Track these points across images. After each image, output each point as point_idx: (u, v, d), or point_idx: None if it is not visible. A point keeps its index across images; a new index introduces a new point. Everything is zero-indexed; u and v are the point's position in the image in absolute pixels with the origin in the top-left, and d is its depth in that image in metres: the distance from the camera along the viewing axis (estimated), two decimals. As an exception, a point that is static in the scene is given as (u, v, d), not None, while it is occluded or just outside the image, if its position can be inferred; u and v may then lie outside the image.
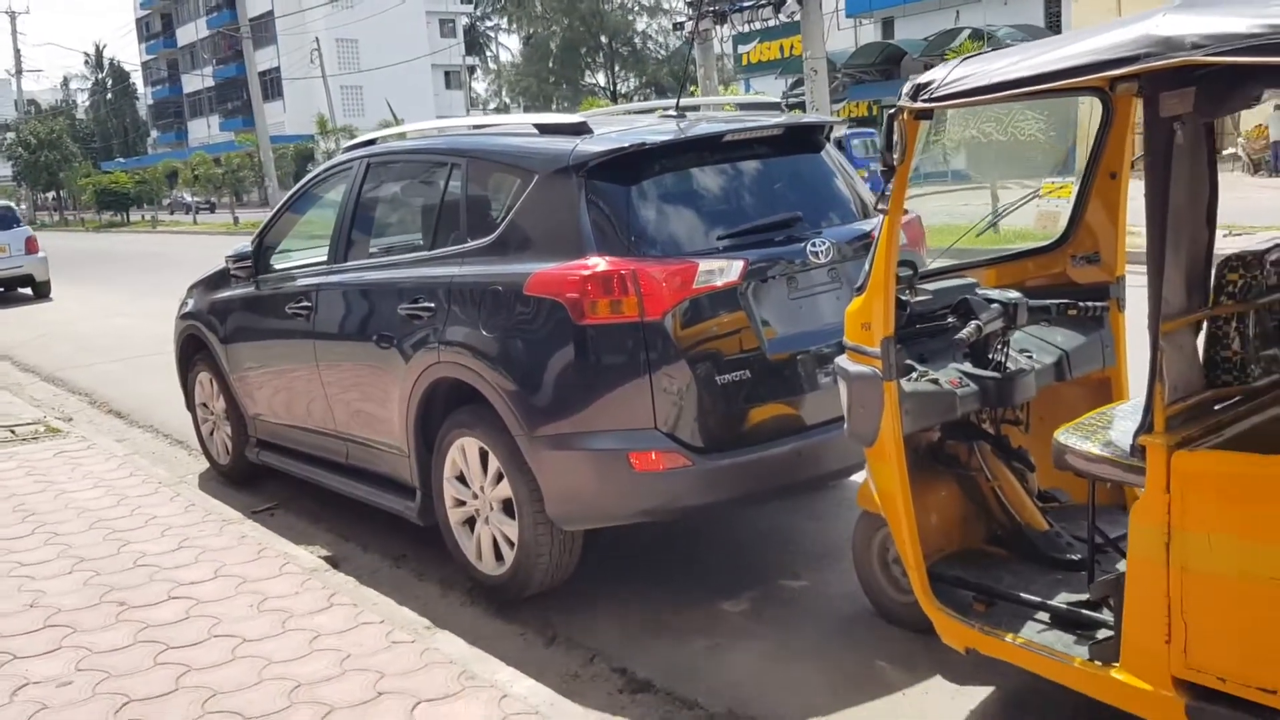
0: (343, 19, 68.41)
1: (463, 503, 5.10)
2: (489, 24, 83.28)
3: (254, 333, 6.72)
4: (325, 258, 6.13)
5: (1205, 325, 3.26)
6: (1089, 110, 4.36)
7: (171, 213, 63.14)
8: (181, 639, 4.55)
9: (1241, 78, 2.69)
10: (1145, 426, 2.99)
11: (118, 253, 34.59)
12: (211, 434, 7.54)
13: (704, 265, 4.47)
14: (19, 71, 78.76)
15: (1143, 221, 2.96)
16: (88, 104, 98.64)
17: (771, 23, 24.97)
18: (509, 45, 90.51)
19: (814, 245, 4.73)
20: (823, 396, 4.60)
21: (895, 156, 3.46)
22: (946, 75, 3.33)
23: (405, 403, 5.23)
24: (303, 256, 6.69)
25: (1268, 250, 3.25)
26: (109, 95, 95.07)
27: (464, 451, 5.01)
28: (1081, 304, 4.27)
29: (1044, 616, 3.63)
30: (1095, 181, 4.35)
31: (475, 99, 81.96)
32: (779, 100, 7.47)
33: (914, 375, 3.84)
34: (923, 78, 3.40)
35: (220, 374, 7.11)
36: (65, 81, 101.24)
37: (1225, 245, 3.38)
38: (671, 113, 5.55)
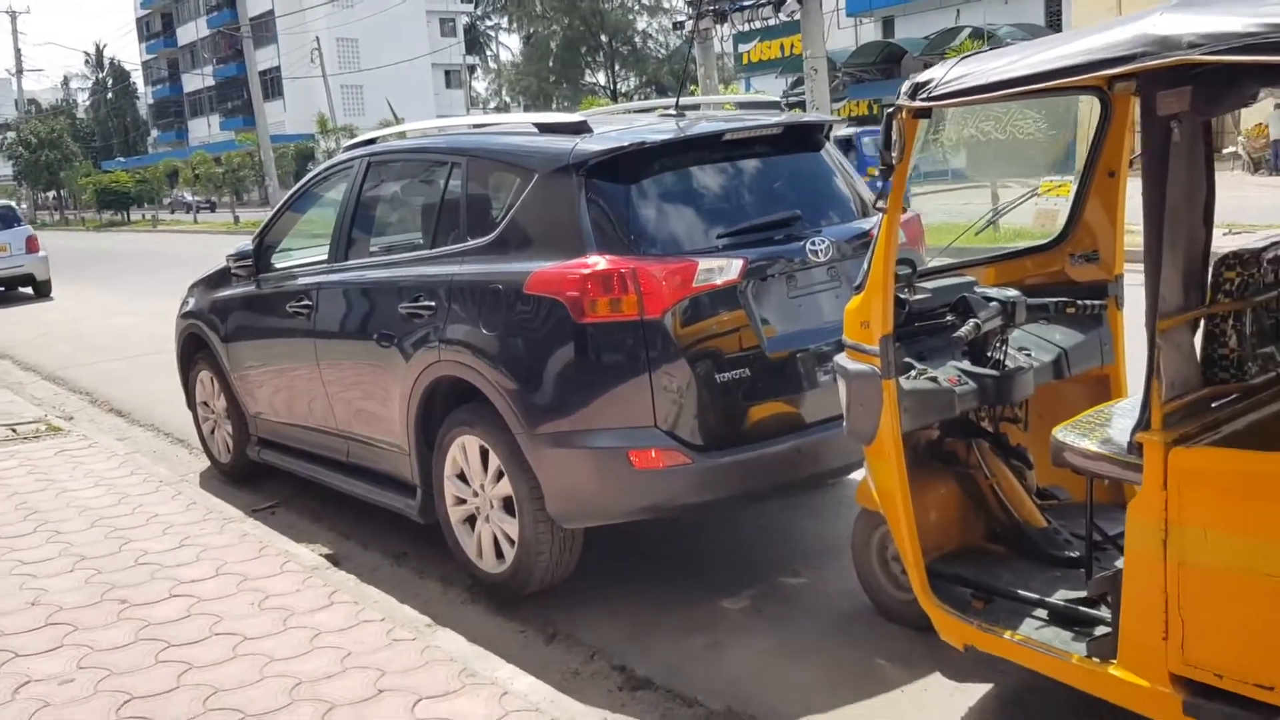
0: (343, 18, 68.44)
1: (463, 501, 5.12)
2: (489, 23, 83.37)
3: (255, 331, 6.74)
4: (326, 257, 6.15)
5: (1202, 323, 3.27)
6: (1090, 108, 4.37)
7: (172, 212, 63.16)
8: (183, 637, 4.56)
9: (1238, 77, 2.69)
10: (1142, 423, 3.00)
11: (118, 252, 34.60)
12: (212, 432, 7.56)
13: (703, 264, 4.48)
14: (19, 71, 78.78)
15: (1141, 220, 2.97)
16: (88, 103, 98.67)
17: (772, 22, 24.95)
18: (509, 44, 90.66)
19: (813, 244, 4.74)
20: (822, 394, 4.61)
21: (894, 155, 3.47)
22: (945, 74, 3.34)
23: (406, 401, 5.24)
24: (303, 255, 6.70)
25: (1265, 248, 3.26)
26: (109, 95, 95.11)
27: (464, 449, 5.02)
28: (1080, 302, 4.28)
29: (1042, 613, 3.64)
30: (1094, 180, 4.36)
31: (475, 98, 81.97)
32: (778, 99, 7.50)
33: (913, 373, 3.84)
34: (921, 77, 3.41)
35: (221, 372, 7.13)
36: (66, 81, 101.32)
37: (1225, 243, 3.40)
38: (671, 112, 5.56)
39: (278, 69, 71.83)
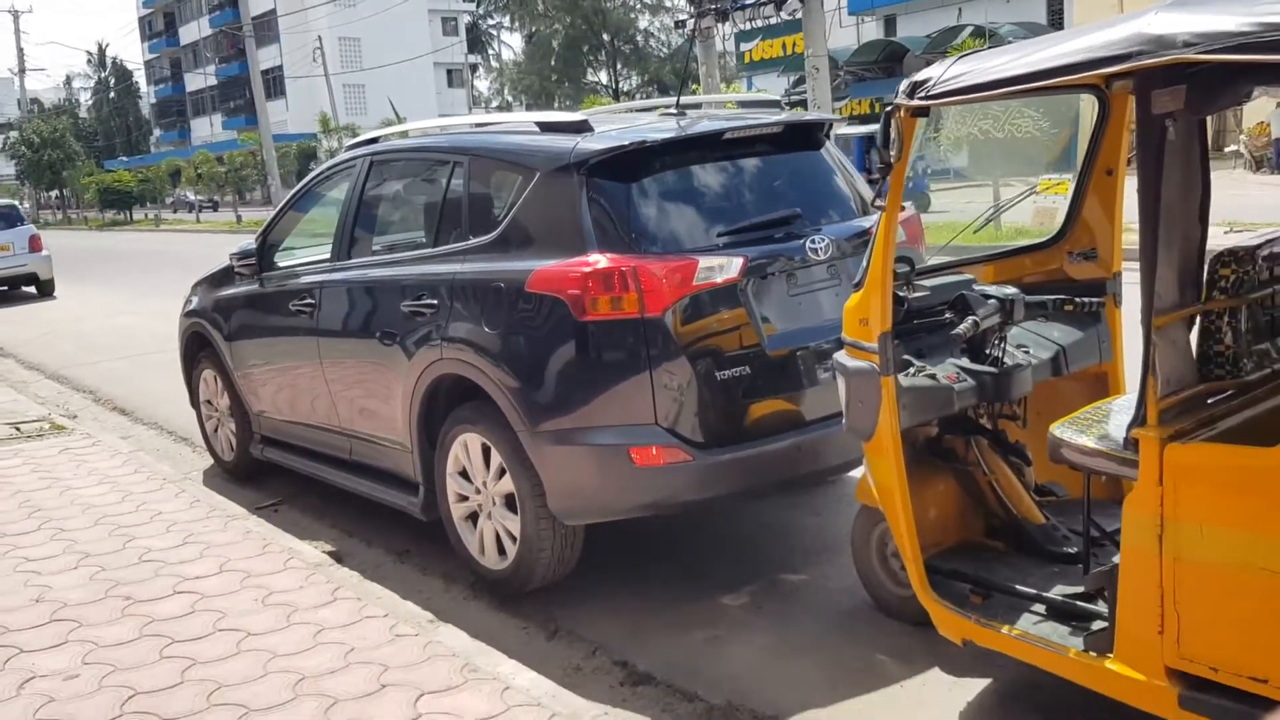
0: (345, 17, 68.49)
1: (465, 498, 5.14)
2: (491, 22, 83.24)
3: (258, 330, 6.77)
4: (329, 255, 6.17)
5: (1198, 320, 3.29)
6: (1091, 107, 4.39)
7: (175, 211, 63.16)
8: (187, 633, 4.59)
9: (1232, 75, 2.72)
10: (1138, 420, 3.03)
11: (121, 251, 34.65)
12: (216, 431, 7.59)
13: (704, 262, 4.50)
14: (22, 70, 78.97)
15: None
16: (91, 103, 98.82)
17: (773, 20, 24.97)
18: (511, 43, 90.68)
19: (813, 242, 4.77)
20: (822, 392, 4.63)
21: (892, 154, 3.49)
22: (942, 73, 3.36)
23: (408, 399, 5.27)
24: (306, 254, 6.73)
25: (1259, 245, 3.29)
26: (112, 94, 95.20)
27: (466, 447, 5.05)
28: (1078, 299, 4.30)
29: (1040, 608, 3.66)
30: (1092, 178, 4.39)
31: (477, 97, 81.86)
32: (778, 98, 7.52)
33: (911, 370, 3.87)
34: (919, 75, 3.44)
35: (225, 371, 7.16)
36: (68, 80, 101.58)
37: (1226, 242, 3.42)
38: (672, 111, 5.59)
39: (280, 68, 71.91)
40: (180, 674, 4.22)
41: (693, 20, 23.27)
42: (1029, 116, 16.21)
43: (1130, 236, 3.73)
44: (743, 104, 6.66)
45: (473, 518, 5.16)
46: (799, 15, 20.68)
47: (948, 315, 4.05)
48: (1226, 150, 30.78)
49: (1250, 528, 2.81)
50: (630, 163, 4.68)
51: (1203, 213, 3.34)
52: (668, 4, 65.44)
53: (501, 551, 5.02)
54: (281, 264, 6.70)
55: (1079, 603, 3.57)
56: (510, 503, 4.88)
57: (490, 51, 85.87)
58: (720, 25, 23.35)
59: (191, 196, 61.54)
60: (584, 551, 4.96)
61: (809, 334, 4.73)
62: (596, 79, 68.22)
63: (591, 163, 4.63)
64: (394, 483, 5.71)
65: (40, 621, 4.80)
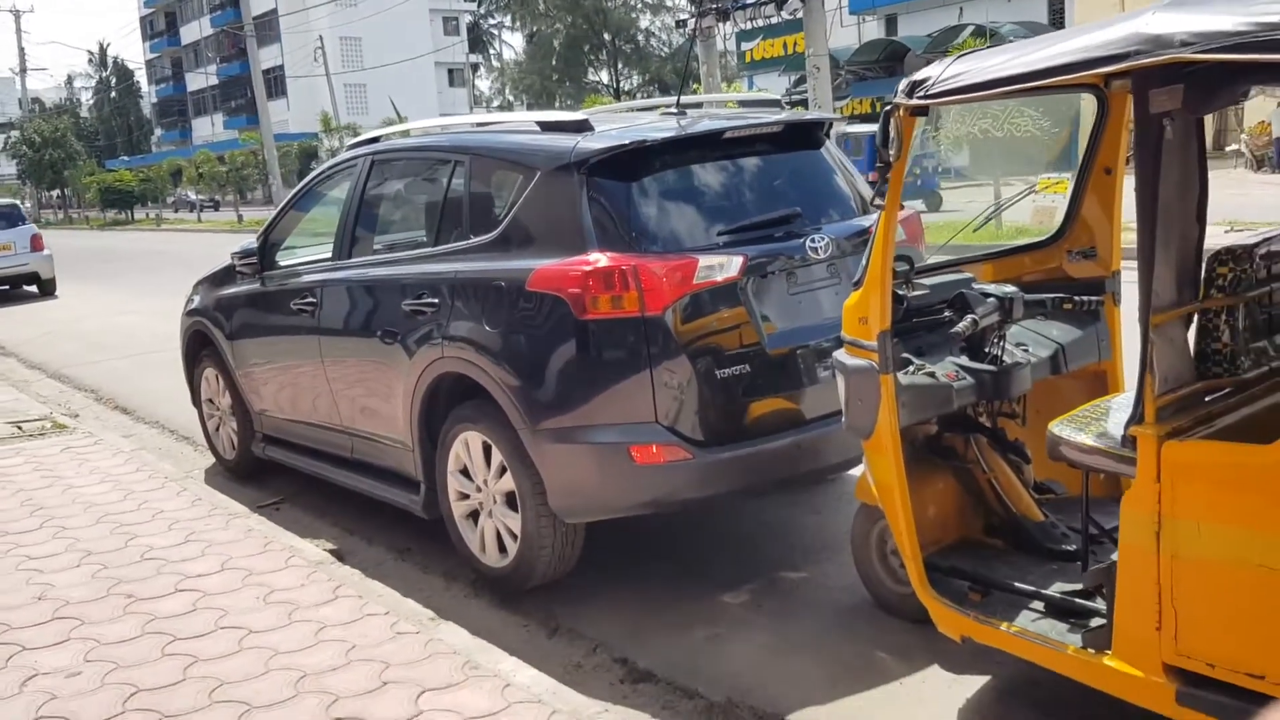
0: (346, 17, 68.54)
1: (466, 496, 5.16)
2: (492, 22, 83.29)
3: (260, 329, 6.78)
4: (330, 254, 6.19)
5: (1196, 318, 3.31)
6: (1091, 106, 4.41)
7: (176, 211, 63.22)
8: (189, 630, 4.61)
9: (1229, 75, 2.73)
10: (1136, 417, 3.04)
11: (122, 251, 34.67)
12: (217, 429, 7.60)
13: (704, 261, 4.52)
14: (23, 70, 79.00)
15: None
16: (92, 102, 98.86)
17: (774, 20, 24.98)
18: (512, 43, 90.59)
19: (813, 241, 4.78)
20: (822, 390, 4.64)
21: (891, 153, 3.51)
22: (941, 72, 3.37)
23: (409, 397, 5.28)
24: (308, 253, 6.75)
25: (1257, 244, 3.30)
26: (113, 93, 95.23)
27: (467, 445, 5.07)
28: (1077, 298, 4.31)
29: (1038, 605, 3.68)
30: (1091, 177, 4.41)
31: (479, 97, 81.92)
32: (778, 97, 7.54)
33: (911, 368, 3.88)
34: (918, 75, 3.45)
35: (226, 370, 7.17)
36: (69, 80, 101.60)
37: (1225, 241, 3.43)
38: (672, 110, 5.60)
39: (281, 68, 71.92)
40: (182, 671, 4.23)
41: (693, 20, 23.27)
42: (1028, 115, 16.23)
43: (1129, 235, 3.75)
44: (743, 103, 6.68)
45: (474, 516, 5.18)
46: (800, 15, 20.72)
47: (947, 314, 4.07)
48: (1228, 149, 30.81)
49: (1247, 524, 2.82)
50: (630, 162, 4.70)
51: (1200, 211, 3.35)
52: (669, 3, 65.49)
53: (502, 549, 5.03)
54: (283, 263, 6.72)
55: (1077, 600, 3.59)
56: (511, 501, 4.89)
57: (491, 51, 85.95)
58: (721, 25, 23.38)
59: (193, 196, 61.58)
60: (584, 549, 4.98)
61: (809, 332, 4.74)
62: (598, 78, 68.27)
63: (592, 162, 4.65)
64: (395, 481, 5.73)
65: (42, 619, 4.81)
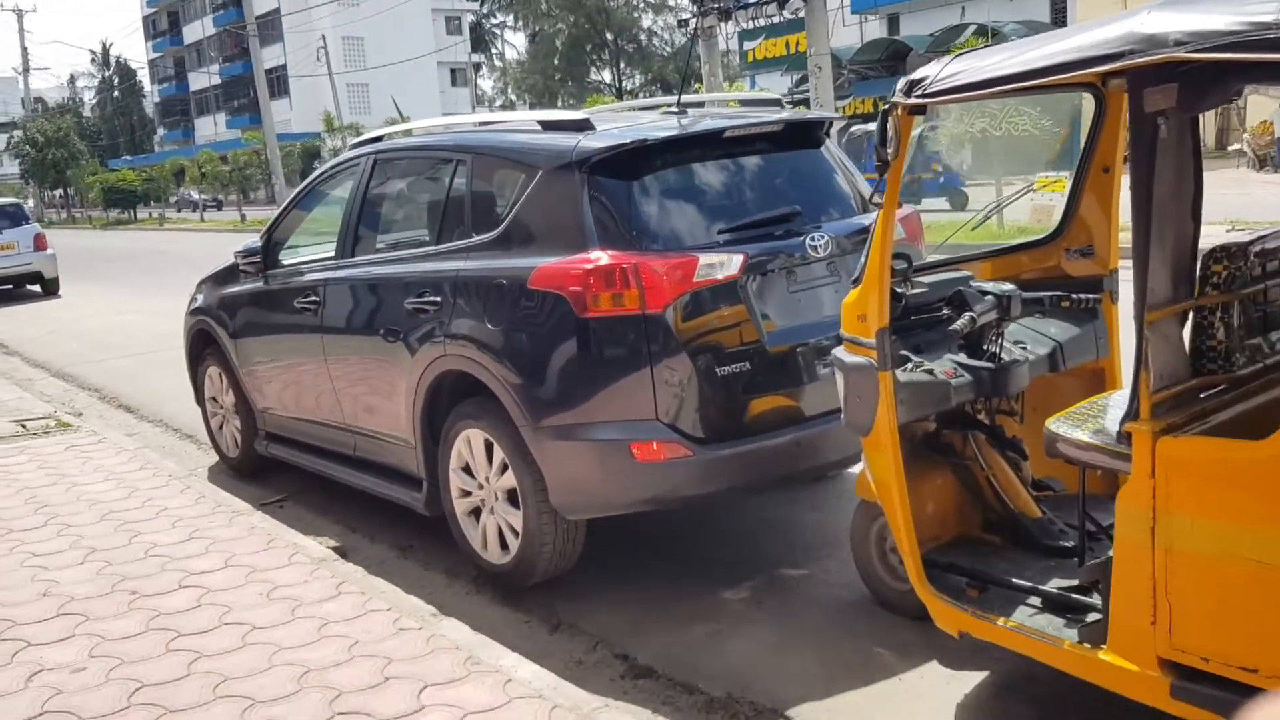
0: (349, 16, 68.61)
1: (468, 493, 5.19)
2: (495, 21, 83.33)
3: (263, 327, 6.82)
4: (333, 253, 6.22)
5: (1191, 315, 3.33)
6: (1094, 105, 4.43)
7: (179, 210, 63.29)
8: (193, 626, 4.64)
9: (1222, 74, 2.76)
10: (1131, 413, 3.06)
11: (125, 250, 34.69)
12: (221, 428, 7.64)
13: (704, 259, 4.54)
14: (26, 69, 79.04)
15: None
16: (94, 102, 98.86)
17: (776, 19, 24.99)
18: (515, 42, 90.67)
19: (813, 239, 4.80)
20: (821, 388, 4.66)
21: (889, 152, 3.53)
22: (939, 72, 3.40)
23: (412, 395, 5.31)
24: (311, 252, 6.78)
25: (1251, 242, 3.33)
26: (116, 93, 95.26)
27: (469, 443, 5.10)
28: (1075, 296, 4.33)
29: (1035, 601, 3.70)
30: (1089, 176, 4.43)
31: (481, 96, 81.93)
32: (779, 96, 7.56)
33: (909, 366, 3.90)
34: (916, 74, 3.48)
35: (230, 368, 7.21)
36: (72, 79, 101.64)
37: (1227, 240, 3.45)
38: (673, 109, 5.63)
39: (284, 67, 72.02)
40: (187, 667, 4.26)
41: (695, 19, 23.29)
42: (1026, 114, 16.25)
43: (1127, 234, 3.78)
44: (744, 102, 6.70)
45: (475, 513, 5.21)
46: (801, 14, 20.73)
47: (945, 311, 4.09)
48: (1230, 149, 30.79)
49: (1240, 519, 2.85)
50: (631, 161, 4.72)
51: (1195, 209, 3.38)
52: (671, 3, 65.48)
53: (504, 546, 5.06)
54: (286, 262, 6.75)
55: (1074, 595, 3.61)
56: (512, 498, 4.92)
57: (494, 51, 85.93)
58: (723, 24, 23.39)
59: (196, 195, 61.62)
60: (586, 547, 5.01)
61: (809, 330, 4.77)
62: (600, 78, 68.27)
63: (593, 161, 4.67)
64: (397, 478, 5.76)
65: (48, 615, 4.84)
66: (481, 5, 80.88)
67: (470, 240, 5.14)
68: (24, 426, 8.80)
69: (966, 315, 3.95)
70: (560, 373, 4.62)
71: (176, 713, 3.92)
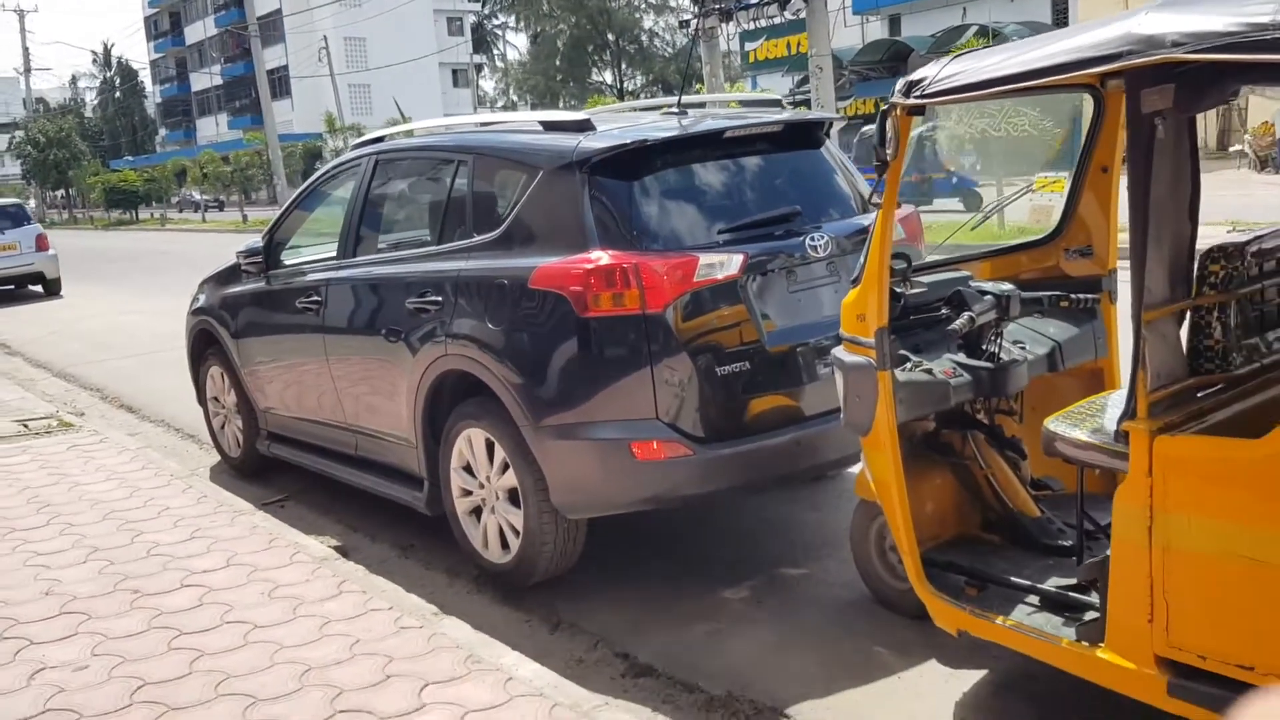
0: (351, 17, 68.67)
1: (469, 492, 5.20)
2: (496, 22, 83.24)
3: (265, 327, 6.83)
4: (334, 253, 6.24)
5: (1189, 315, 3.35)
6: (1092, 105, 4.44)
7: (180, 211, 63.26)
8: (195, 625, 4.65)
9: (1219, 75, 2.77)
10: (1129, 412, 3.08)
11: (127, 250, 34.71)
12: (223, 427, 7.65)
13: (704, 259, 4.56)
14: (27, 70, 79.13)
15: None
16: (96, 102, 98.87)
17: (777, 20, 25.02)
18: (516, 43, 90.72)
19: (813, 239, 4.82)
20: (821, 387, 4.68)
21: (888, 152, 3.55)
22: (938, 72, 3.41)
23: (413, 395, 5.33)
24: (312, 252, 6.80)
25: (1248, 242, 3.34)
26: (117, 94, 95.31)
27: (470, 442, 5.11)
28: (1073, 296, 4.34)
29: (1033, 599, 3.72)
30: (1087, 176, 4.44)
31: (483, 97, 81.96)
32: (779, 97, 7.57)
33: (908, 365, 3.92)
34: (915, 75, 3.49)
35: (231, 368, 7.22)
36: (74, 80, 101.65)
37: (1224, 240, 3.47)
38: (674, 110, 5.64)
39: (285, 68, 72.08)
40: (189, 665, 4.28)
41: (696, 20, 23.30)
42: (1025, 115, 16.27)
43: (1126, 234, 3.80)
44: (744, 103, 6.72)
45: (476, 512, 5.22)
46: (802, 15, 20.75)
47: (944, 311, 4.10)
48: (1231, 150, 30.80)
49: (1237, 518, 2.86)
50: (632, 161, 4.74)
51: (1193, 210, 3.40)
52: (672, 4, 65.48)
53: (505, 546, 5.08)
54: (288, 262, 6.77)
55: (1072, 594, 3.63)
56: (513, 497, 4.93)
57: (495, 51, 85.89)
58: (724, 25, 23.41)
59: (197, 196, 61.62)
60: (586, 546, 5.02)
61: (808, 330, 4.78)
62: (601, 79, 68.25)
63: (594, 161, 4.69)
64: (399, 478, 5.77)
65: (50, 614, 4.86)
66: (483, 6, 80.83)
67: (471, 240, 5.16)
68: (26, 426, 8.82)
69: (965, 315, 3.97)
70: (561, 372, 4.64)
71: (178, 711, 3.93)
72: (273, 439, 7.09)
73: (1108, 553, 3.27)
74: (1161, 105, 2.87)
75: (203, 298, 7.56)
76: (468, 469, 5.18)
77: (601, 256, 4.52)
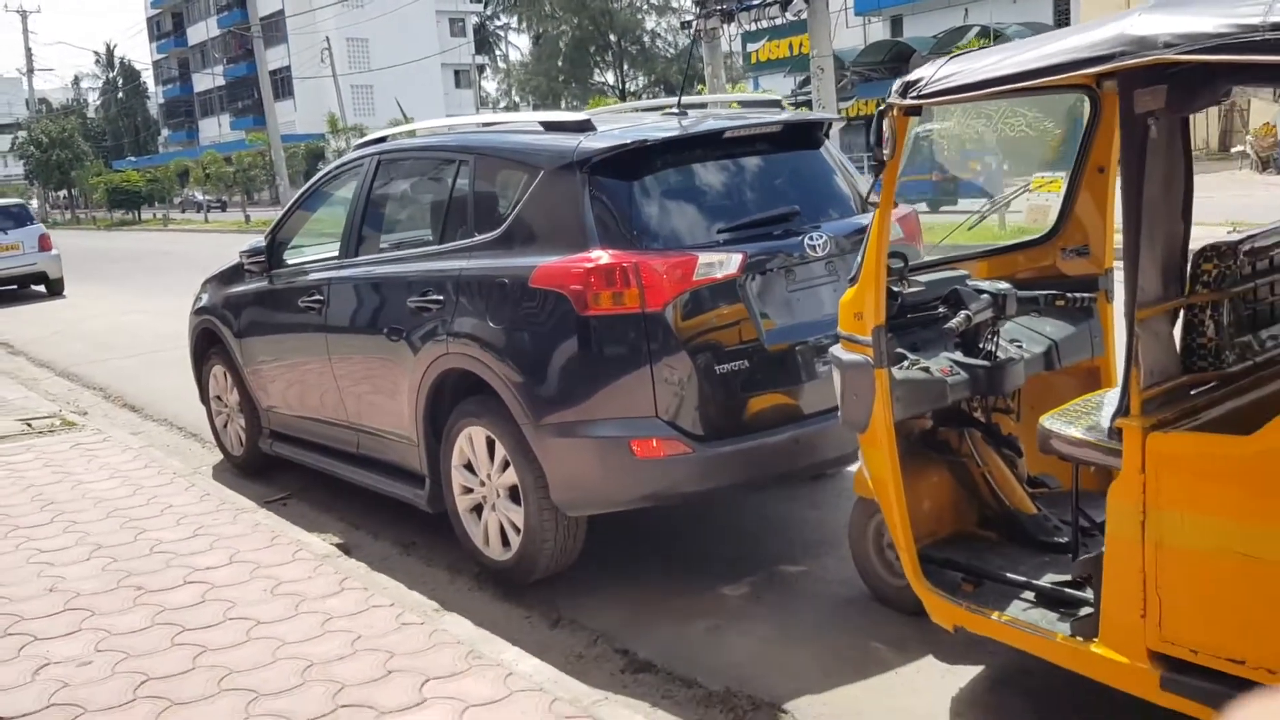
0: (353, 18, 68.70)
1: (470, 490, 5.24)
2: (499, 23, 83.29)
3: (267, 326, 6.87)
4: (337, 253, 6.27)
5: (1182, 313, 3.38)
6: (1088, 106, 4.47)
7: (183, 211, 63.35)
8: (198, 621, 4.69)
9: (1211, 75, 2.81)
10: (1122, 410, 3.11)
11: (129, 251, 34.76)
12: (225, 426, 7.69)
13: (704, 258, 4.59)
14: (30, 70, 79.22)
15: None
16: (99, 103, 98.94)
17: (779, 21, 25.03)
18: (518, 44, 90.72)
19: (811, 239, 4.85)
20: (820, 386, 4.70)
21: (885, 152, 3.58)
22: (934, 73, 3.45)
23: (414, 393, 5.36)
24: (315, 252, 6.84)
25: (1241, 241, 3.37)
26: (120, 94, 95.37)
27: (471, 440, 5.14)
28: (1070, 295, 4.37)
29: (1029, 595, 3.75)
30: (1084, 176, 4.48)
31: (485, 98, 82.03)
32: (779, 98, 7.59)
33: (905, 363, 3.95)
34: (911, 75, 3.53)
35: (234, 367, 7.26)
36: (76, 80, 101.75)
37: (1217, 239, 3.50)
38: (674, 110, 5.67)
39: (288, 69, 72.10)
40: (192, 660, 4.31)
41: (697, 20, 23.32)
42: (1020, 115, 16.30)
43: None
44: (744, 104, 6.75)
45: (477, 510, 5.25)
46: (804, 16, 20.76)
47: (941, 310, 4.13)
48: (1233, 151, 30.83)
49: (1228, 514, 2.89)
50: (632, 161, 4.77)
51: (1185, 209, 3.43)
52: (674, 4, 65.47)
53: (505, 543, 5.11)
54: (290, 261, 6.80)
55: (1067, 590, 3.66)
56: (514, 495, 4.97)
57: (498, 52, 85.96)
58: (725, 26, 23.43)
59: (200, 196, 61.67)
60: (586, 543, 5.05)
61: (807, 329, 4.81)
62: (603, 79, 68.24)
63: (594, 161, 4.72)
64: (400, 476, 5.81)
65: (54, 610, 4.89)
66: (485, 7, 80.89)
67: (472, 240, 5.19)
68: (30, 425, 8.86)
69: (962, 313, 4.00)
70: (561, 371, 4.67)
71: (182, 705, 3.97)
72: (275, 437, 7.12)
73: (1102, 549, 3.30)
74: (1154, 106, 2.90)
75: (205, 297, 7.59)
76: (469, 467, 5.21)
77: (601, 256, 4.55)
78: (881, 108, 3.56)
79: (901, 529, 3.86)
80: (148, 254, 32.29)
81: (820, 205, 5.16)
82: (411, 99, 62.47)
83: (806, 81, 28.37)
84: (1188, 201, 3.43)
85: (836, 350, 4.00)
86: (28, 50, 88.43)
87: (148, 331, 14.64)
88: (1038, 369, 4.29)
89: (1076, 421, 3.57)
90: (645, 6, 66.66)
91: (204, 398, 7.90)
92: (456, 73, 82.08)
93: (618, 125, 5.22)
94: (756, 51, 45.24)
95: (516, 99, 73.65)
